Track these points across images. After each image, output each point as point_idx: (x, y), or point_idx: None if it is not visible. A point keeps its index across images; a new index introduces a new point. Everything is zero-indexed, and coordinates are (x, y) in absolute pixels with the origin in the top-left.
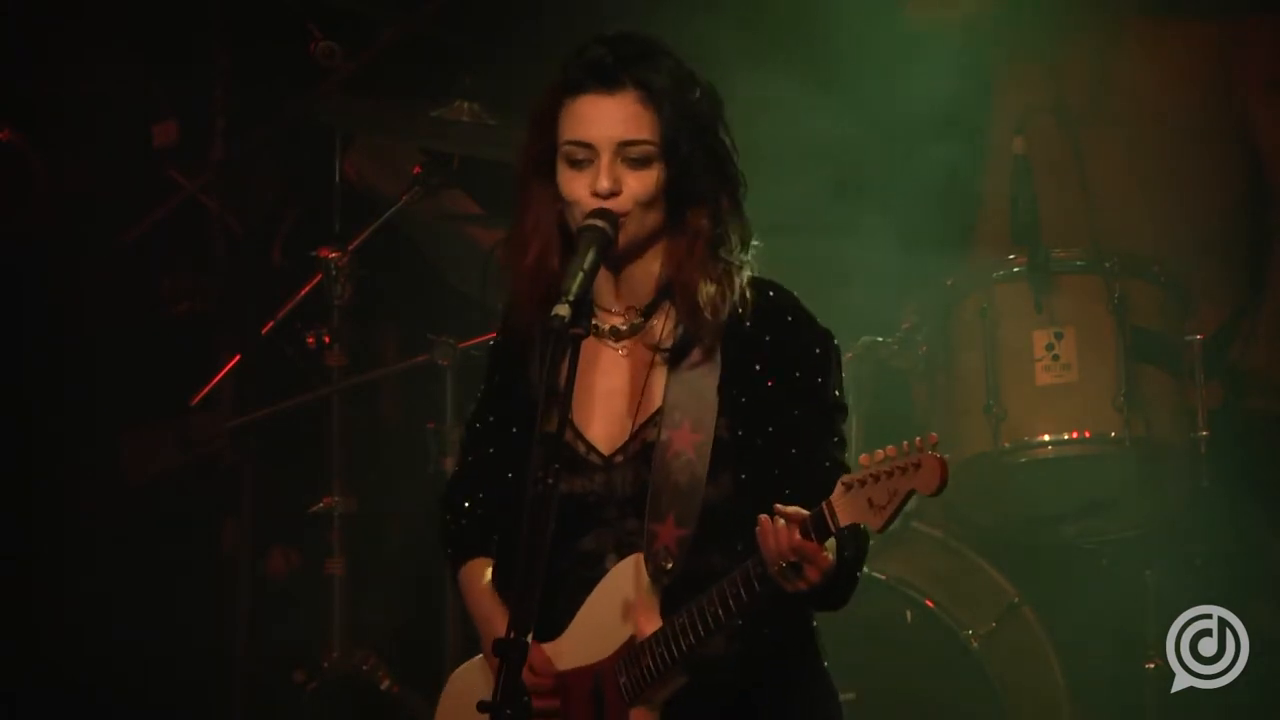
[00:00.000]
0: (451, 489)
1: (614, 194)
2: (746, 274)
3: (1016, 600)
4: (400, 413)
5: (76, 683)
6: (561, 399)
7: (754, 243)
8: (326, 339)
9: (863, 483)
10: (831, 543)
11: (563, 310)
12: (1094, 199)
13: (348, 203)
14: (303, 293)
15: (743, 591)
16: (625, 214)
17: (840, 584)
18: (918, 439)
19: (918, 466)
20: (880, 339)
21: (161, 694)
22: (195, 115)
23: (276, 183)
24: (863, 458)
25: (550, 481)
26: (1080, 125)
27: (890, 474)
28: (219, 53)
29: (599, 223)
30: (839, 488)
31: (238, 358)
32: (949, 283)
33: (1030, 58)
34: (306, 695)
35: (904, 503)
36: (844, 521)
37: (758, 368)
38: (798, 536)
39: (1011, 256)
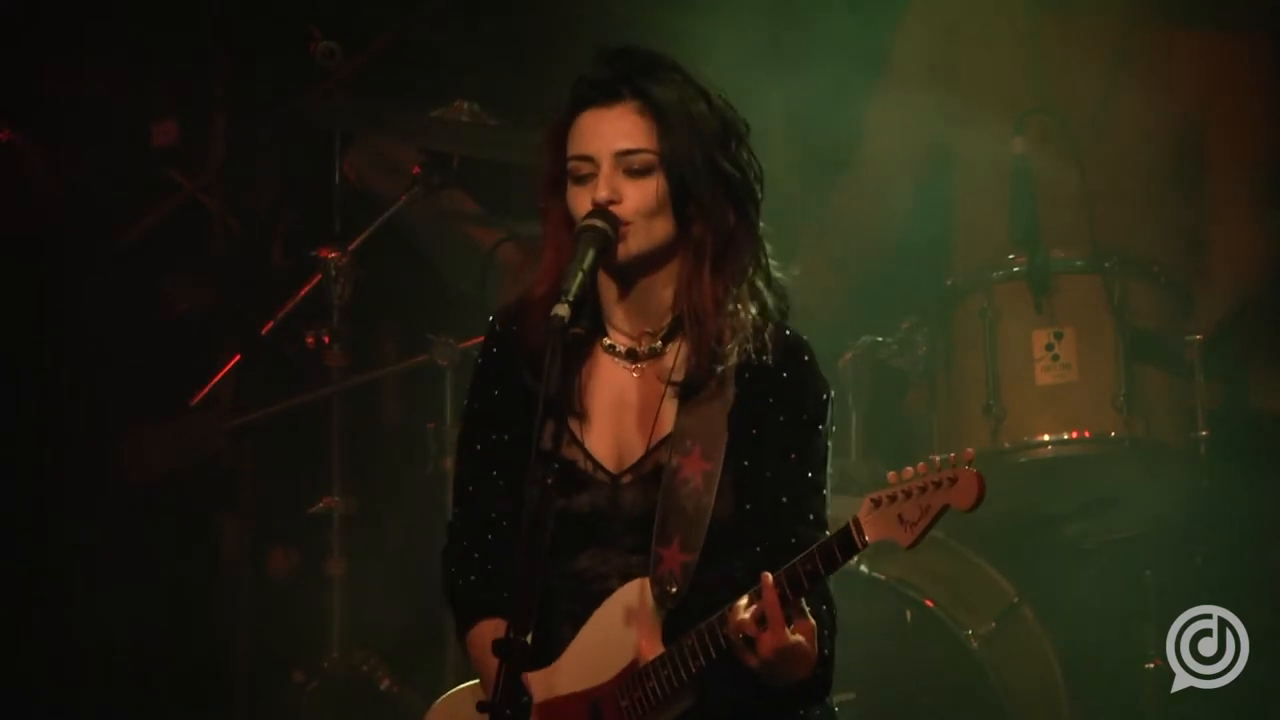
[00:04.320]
0: (455, 534)
1: (612, 203)
2: (754, 308)
3: (1016, 600)
4: (400, 413)
5: (76, 683)
6: (557, 403)
7: (774, 271)
8: (326, 339)
9: (892, 498)
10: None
11: (562, 310)
12: (1094, 199)
13: (348, 203)
14: (303, 293)
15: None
16: (627, 224)
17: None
18: (951, 455)
19: (953, 481)
20: (880, 339)
21: (161, 694)
22: (195, 115)
23: (276, 183)
24: (890, 475)
25: (549, 483)
26: (1080, 125)
27: (924, 489)
28: (219, 53)
29: (598, 223)
30: (866, 504)
31: (238, 358)
32: (948, 283)
33: (1031, 59)
34: (306, 695)
35: (936, 519)
36: (872, 538)
37: (771, 401)
38: (747, 618)
39: (1011, 256)
